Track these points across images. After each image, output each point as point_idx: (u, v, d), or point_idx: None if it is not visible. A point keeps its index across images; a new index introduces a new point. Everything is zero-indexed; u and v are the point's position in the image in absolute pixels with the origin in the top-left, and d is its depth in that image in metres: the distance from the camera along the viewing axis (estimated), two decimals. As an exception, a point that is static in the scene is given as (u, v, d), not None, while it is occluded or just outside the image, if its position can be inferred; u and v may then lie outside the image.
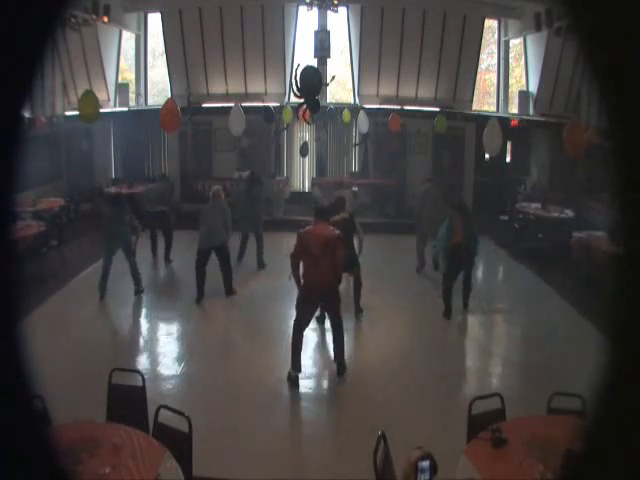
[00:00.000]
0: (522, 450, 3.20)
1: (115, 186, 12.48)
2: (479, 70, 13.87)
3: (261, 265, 9.57)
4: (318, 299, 5.83)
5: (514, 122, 11.58)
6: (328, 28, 13.22)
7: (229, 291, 8.16)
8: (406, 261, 9.53)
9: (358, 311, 7.41)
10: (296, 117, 11.06)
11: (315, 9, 12.28)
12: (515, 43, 13.75)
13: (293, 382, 5.69)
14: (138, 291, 8.12)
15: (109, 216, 7.94)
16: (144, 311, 7.91)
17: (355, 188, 13.24)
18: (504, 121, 10.74)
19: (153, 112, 11.04)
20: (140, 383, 3.92)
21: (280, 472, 4.35)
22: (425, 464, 1.80)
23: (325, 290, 5.68)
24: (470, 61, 13.27)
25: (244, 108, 11.40)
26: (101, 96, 11.66)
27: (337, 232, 5.78)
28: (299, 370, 5.74)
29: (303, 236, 5.69)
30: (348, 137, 14.27)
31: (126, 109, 13.24)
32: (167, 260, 9.82)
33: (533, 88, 12.26)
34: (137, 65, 14.26)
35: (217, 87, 13.74)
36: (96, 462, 3.01)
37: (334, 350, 5.98)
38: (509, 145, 13.14)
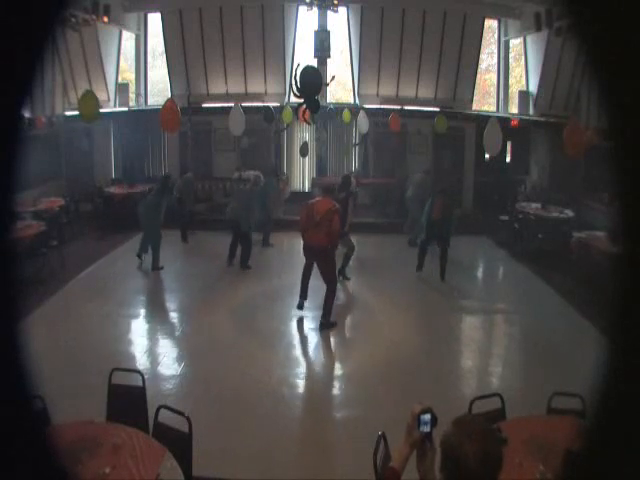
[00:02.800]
0: (522, 450, 3.19)
1: (115, 186, 12.51)
2: (479, 70, 13.88)
3: (267, 243, 10.76)
4: (312, 257, 7.00)
5: (514, 122, 11.57)
6: (328, 28, 13.23)
7: (244, 265, 9.28)
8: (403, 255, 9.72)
9: (341, 270, 8.59)
10: (296, 117, 11.07)
11: (315, 9, 12.29)
12: (515, 43, 13.75)
13: (299, 307, 7.21)
14: (157, 268, 9.16)
15: (154, 199, 9.07)
16: (143, 311, 7.91)
17: (355, 189, 13.25)
18: (504, 121, 10.74)
19: (153, 112, 11.05)
20: (140, 383, 3.91)
21: (280, 472, 4.35)
22: (426, 417, 1.91)
23: (318, 252, 6.80)
24: (470, 61, 13.27)
25: (244, 108, 11.40)
26: (101, 96, 11.66)
27: (337, 205, 6.84)
28: (305, 298, 7.22)
29: (309, 205, 6.83)
30: (348, 137, 14.27)
31: (126, 109, 13.25)
32: (184, 240, 11.07)
33: (533, 88, 12.26)
34: (137, 65, 14.27)
35: (217, 87, 13.74)
36: (96, 462, 3.00)
37: (323, 307, 6.96)
38: (509, 145, 13.14)
